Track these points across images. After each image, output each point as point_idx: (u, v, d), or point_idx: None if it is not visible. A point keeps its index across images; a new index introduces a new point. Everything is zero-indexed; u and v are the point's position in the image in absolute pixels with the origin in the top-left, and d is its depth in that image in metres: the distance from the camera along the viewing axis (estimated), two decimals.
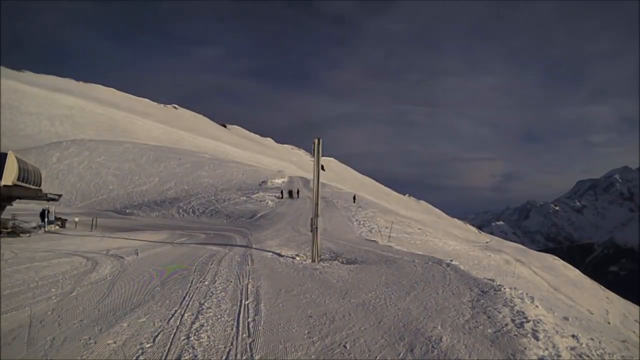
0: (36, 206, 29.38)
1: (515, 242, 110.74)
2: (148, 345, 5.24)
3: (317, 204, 13.58)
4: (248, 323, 6.17)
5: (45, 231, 21.10)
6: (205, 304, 7.14)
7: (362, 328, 5.99)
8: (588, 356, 5.43)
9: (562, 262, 53.12)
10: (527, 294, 7.86)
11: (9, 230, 19.19)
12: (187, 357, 4.90)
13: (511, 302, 7.04)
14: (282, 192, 41.04)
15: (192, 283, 8.74)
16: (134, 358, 4.87)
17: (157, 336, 5.53)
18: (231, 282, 8.98)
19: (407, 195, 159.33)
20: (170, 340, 5.39)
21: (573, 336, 6.09)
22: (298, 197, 39.57)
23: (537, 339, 5.40)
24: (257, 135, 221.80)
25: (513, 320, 6.12)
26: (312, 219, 13.50)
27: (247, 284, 8.75)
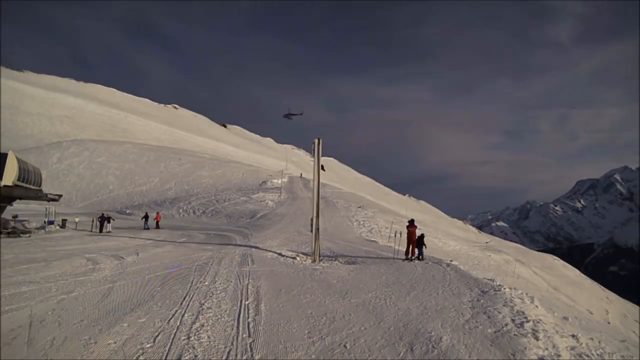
0: (37, 206, 29.39)
1: (515, 242, 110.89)
2: (148, 345, 5.25)
3: (317, 204, 13.59)
4: (248, 323, 6.19)
5: (45, 231, 21.10)
6: (206, 304, 7.14)
7: (362, 328, 5.99)
8: (588, 356, 5.44)
9: (561, 262, 53.19)
10: (527, 294, 7.88)
11: (10, 230, 19.17)
12: (187, 357, 4.92)
13: (511, 302, 7.06)
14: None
15: (192, 283, 8.75)
16: (134, 358, 4.89)
17: (157, 336, 5.55)
18: (231, 282, 8.99)
19: (407, 195, 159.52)
20: (170, 340, 5.40)
21: (573, 336, 6.11)
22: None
23: (537, 338, 5.41)
24: (257, 135, 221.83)
25: (513, 320, 6.13)
26: (312, 219, 13.51)
27: (247, 284, 8.76)
